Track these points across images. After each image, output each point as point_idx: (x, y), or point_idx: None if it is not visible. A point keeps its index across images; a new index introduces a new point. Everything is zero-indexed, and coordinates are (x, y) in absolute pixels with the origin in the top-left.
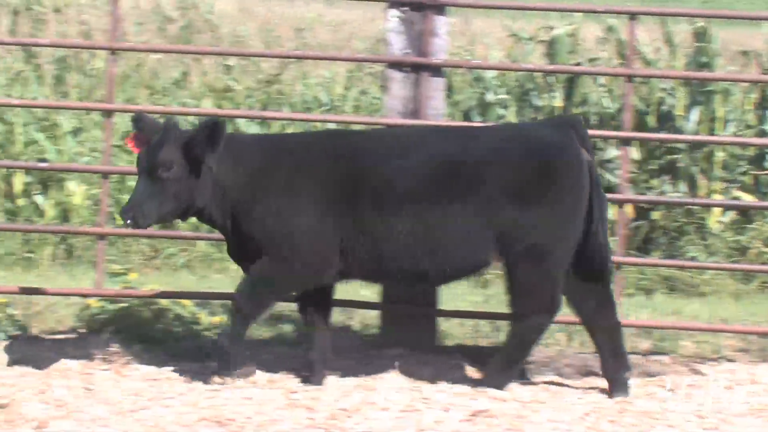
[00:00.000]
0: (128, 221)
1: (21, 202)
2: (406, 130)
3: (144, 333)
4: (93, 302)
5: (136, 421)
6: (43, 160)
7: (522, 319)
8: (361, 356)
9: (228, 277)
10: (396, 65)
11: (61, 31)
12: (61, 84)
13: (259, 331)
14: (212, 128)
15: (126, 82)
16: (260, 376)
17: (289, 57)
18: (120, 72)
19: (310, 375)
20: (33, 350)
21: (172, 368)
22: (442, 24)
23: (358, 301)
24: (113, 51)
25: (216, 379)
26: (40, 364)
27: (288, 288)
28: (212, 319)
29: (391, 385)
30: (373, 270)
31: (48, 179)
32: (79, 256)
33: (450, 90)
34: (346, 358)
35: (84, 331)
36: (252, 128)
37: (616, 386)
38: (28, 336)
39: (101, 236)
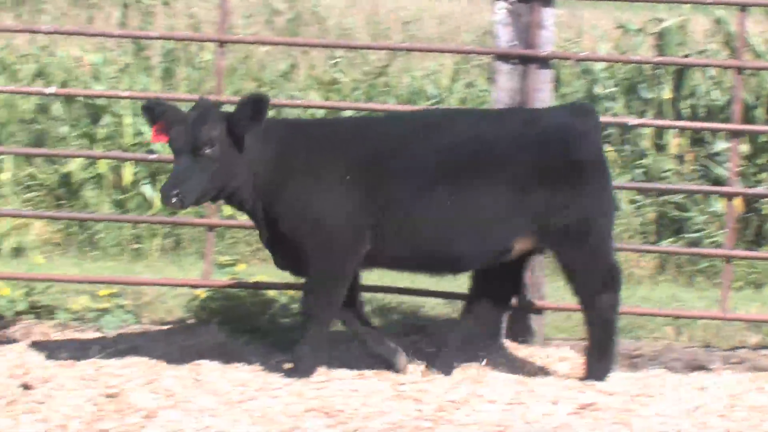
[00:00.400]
0: (173, 200)
1: (130, 193)
2: (434, 113)
3: (251, 324)
4: (201, 293)
5: (244, 412)
6: (152, 152)
7: (591, 304)
8: (469, 348)
9: None
10: (503, 57)
11: (169, 24)
12: (170, 76)
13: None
14: (257, 102)
15: (234, 75)
16: (368, 367)
17: (395, 49)
18: (228, 64)
19: (391, 367)
20: (142, 340)
21: (279, 359)
22: (550, 16)
23: (465, 293)
24: (222, 43)
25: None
26: (149, 354)
27: (344, 274)
28: None
29: (499, 377)
30: (402, 255)
31: (156, 171)
32: (186, 247)
33: (557, 82)
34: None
35: (192, 321)
36: None
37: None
38: (137, 326)
39: (210, 227)
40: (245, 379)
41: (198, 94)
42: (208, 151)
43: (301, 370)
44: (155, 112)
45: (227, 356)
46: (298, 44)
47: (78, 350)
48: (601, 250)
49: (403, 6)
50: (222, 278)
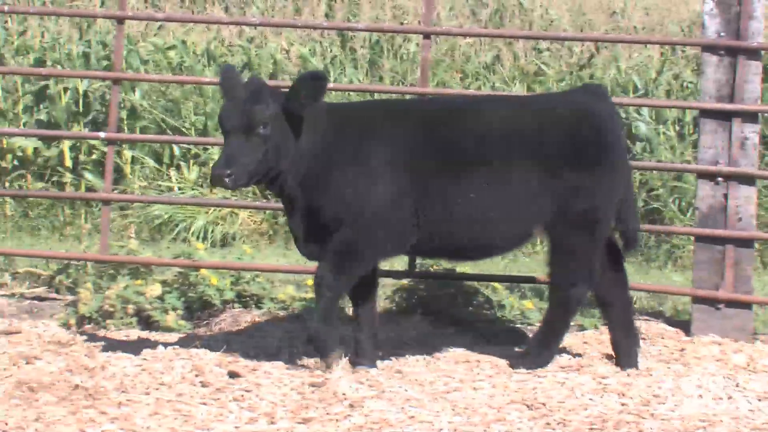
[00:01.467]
0: (226, 180)
1: None
2: (466, 98)
3: (455, 315)
4: (405, 283)
5: (448, 403)
6: None
7: (561, 290)
8: (673, 343)
9: (535, 261)
10: (710, 48)
11: (374, 15)
12: (375, 68)
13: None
14: (316, 80)
15: (438, 66)
16: (569, 360)
17: (600, 40)
18: (432, 56)
19: (356, 357)
20: (347, 330)
21: (482, 351)
22: (760, 6)
23: (668, 288)
24: (427, 35)
25: (319, 366)
26: (352, 343)
27: (373, 258)
28: (523, 303)
29: (705, 371)
30: (442, 241)
31: None
32: None
33: (766, 74)
34: (656, 344)
35: (396, 311)
36: None
37: (625, 359)
38: (340, 316)
39: None
40: (449, 370)
41: (403, 85)
42: (261, 130)
43: (324, 347)
44: (225, 81)
45: (431, 347)
46: (503, 36)
47: (284, 339)
48: (601, 239)
49: None
50: (426, 269)
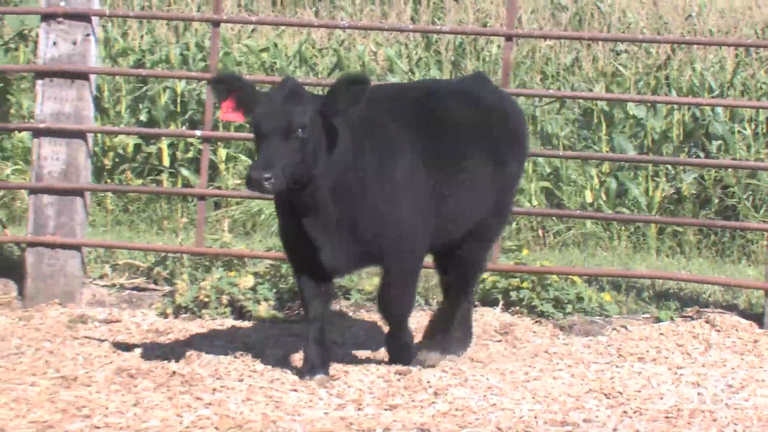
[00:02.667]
0: (265, 184)
1: None
2: (436, 86)
3: (535, 307)
4: (486, 276)
5: (528, 391)
6: None
7: (474, 278)
8: (747, 335)
9: (613, 255)
10: None
11: (458, 18)
12: (458, 69)
13: (646, 307)
14: (357, 83)
15: (519, 68)
16: (646, 351)
17: (677, 42)
18: (513, 57)
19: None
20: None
21: (562, 341)
22: None
23: (742, 281)
24: (509, 37)
25: (400, 371)
26: None
27: (420, 265)
28: (601, 296)
29: None
30: (441, 238)
31: None
32: None
33: None
34: (730, 337)
35: (477, 304)
36: (640, 112)
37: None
38: (423, 309)
39: None
40: (529, 360)
41: None
42: (300, 133)
43: (408, 356)
44: (230, 87)
45: (512, 337)
46: (583, 38)
47: (370, 330)
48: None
49: (686, 0)
50: (507, 263)
